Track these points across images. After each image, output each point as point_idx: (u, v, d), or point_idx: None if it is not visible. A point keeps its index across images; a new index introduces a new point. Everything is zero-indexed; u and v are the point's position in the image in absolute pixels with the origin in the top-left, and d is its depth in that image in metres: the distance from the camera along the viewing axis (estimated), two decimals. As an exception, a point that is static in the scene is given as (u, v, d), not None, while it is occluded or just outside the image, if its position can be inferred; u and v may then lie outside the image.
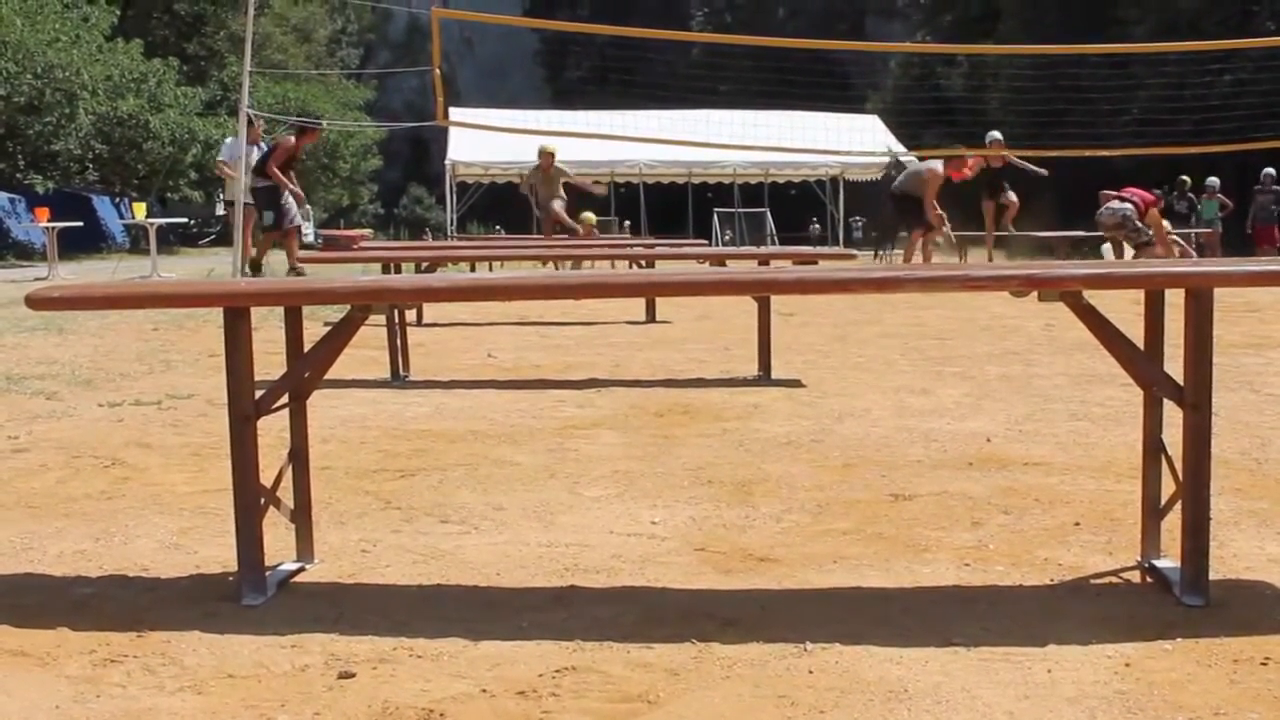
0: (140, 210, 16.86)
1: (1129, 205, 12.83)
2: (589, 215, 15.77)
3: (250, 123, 13.33)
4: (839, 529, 2.79)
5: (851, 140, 12.50)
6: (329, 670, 1.96)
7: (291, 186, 12.31)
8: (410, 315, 6.69)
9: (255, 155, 12.99)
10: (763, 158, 21.95)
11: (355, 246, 11.66)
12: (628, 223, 26.49)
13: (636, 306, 8.49)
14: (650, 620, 2.17)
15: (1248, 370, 5.24)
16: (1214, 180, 19.44)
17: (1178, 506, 2.27)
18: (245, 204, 12.62)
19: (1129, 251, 13.60)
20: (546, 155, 14.68)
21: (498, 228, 14.35)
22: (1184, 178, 18.74)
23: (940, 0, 50.70)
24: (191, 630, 2.15)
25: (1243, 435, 3.78)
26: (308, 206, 13.92)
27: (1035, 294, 2.28)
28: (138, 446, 3.88)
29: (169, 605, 2.31)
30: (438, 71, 12.10)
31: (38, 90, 25.03)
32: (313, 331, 2.57)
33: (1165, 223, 14.04)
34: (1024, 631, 2.08)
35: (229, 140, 14.19)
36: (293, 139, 12.60)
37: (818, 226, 30.50)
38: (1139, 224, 12.56)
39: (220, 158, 13.55)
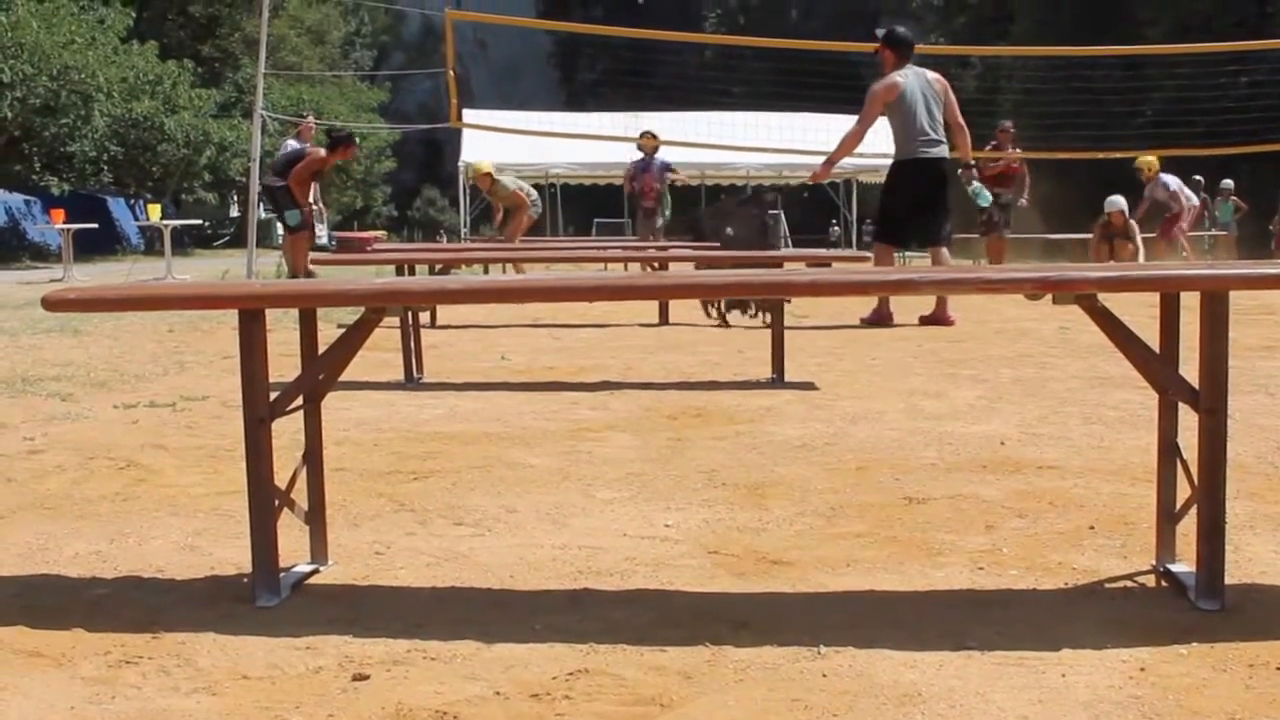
0: (155, 212, 16.93)
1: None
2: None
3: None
4: (852, 532, 2.78)
5: (865, 143, 12.36)
6: (343, 672, 1.96)
7: (306, 201, 11.88)
8: (424, 317, 6.70)
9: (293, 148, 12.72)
10: (776, 160, 21.89)
11: (369, 248, 11.62)
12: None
13: (649, 309, 8.49)
14: (664, 623, 2.17)
15: (1263, 373, 5.21)
16: (1228, 182, 19.39)
17: (1193, 510, 2.26)
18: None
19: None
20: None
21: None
22: (1197, 178, 18.69)
23: (954, 2, 50.67)
24: (206, 631, 2.15)
25: (1258, 439, 3.76)
26: (320, 206, 13.58)
27: (1050, 297, 2.27)
28: (153, 448, 3.90)
29: (184, 606, 2.32)
30: (451, 73, 12.13)
31: (53, 92, 25.16)
32: (327, 334, 2.57)
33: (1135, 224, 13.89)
34: (1038, 635, 2.08)
35: (291, 144, 13.61)
36: (323, 152, 12.17)
37: (837, 229, 30.44)
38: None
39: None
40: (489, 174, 14.85)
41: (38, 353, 6.55)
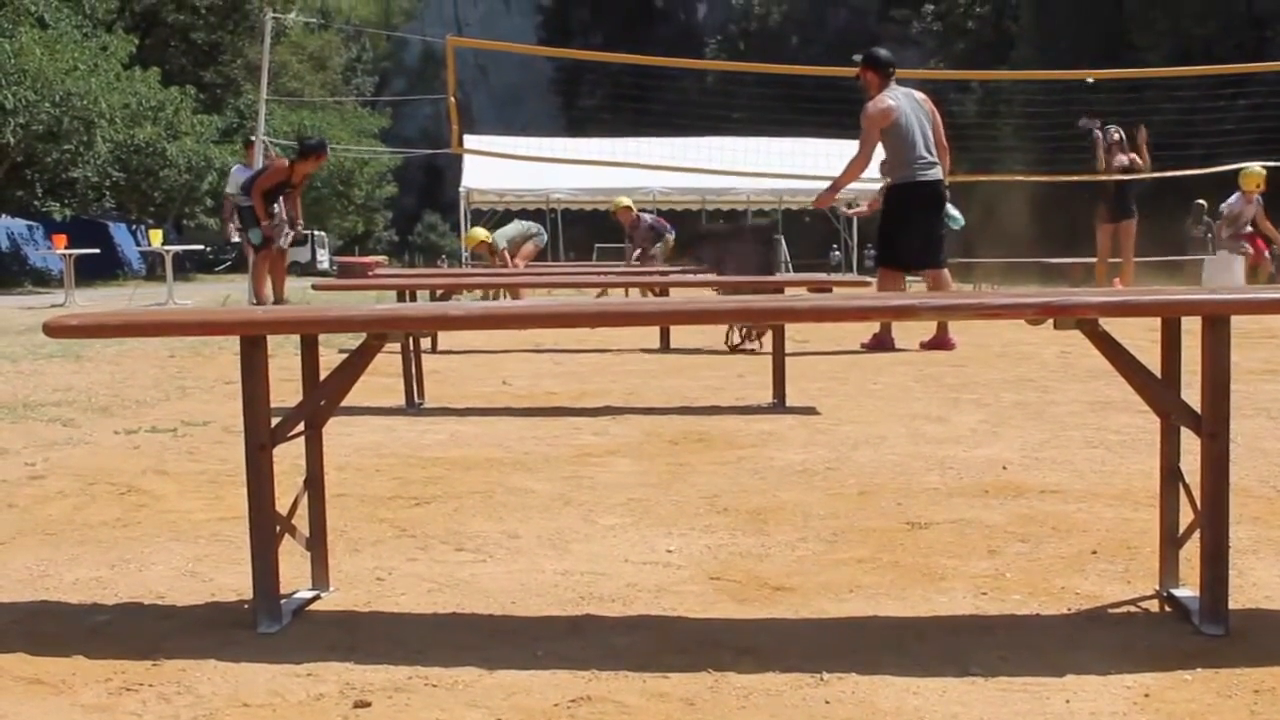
0: (156, 237, 16.98)
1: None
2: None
3: (265, 150, 13.03)
4: (855, 557, 2.77)
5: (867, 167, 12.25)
6: (344, 699, 1.95)
7: (265, 216, 11.61)
8: (425, 342, 6.71)
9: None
10: (776, 185, 21.92)
11: (370, 274, 11.61)
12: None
13: (651, 334, 8.49)
14: (666, 649, 2.16)
15: (1266, 397, 5.21)
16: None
17: (1196, 535, 2.25)
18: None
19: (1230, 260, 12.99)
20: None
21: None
22: (1200, 202, 18.71)
23: (953, 28, 50.88)
24: (207, 658, 2.14)
25: (1261, 462, 3.76)
26: (322, 234, 13.70)
27: (1051, 321, 2.27)
28: (154, 473, 3.89)
29: (184, 633, 2.31)
30: (452, 99, 12.16)
31: (56, 118, 25.27)
32: (328, 359, 2.57)
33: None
34: (1042, 661, 2.07)
35: (235, 169, 13.77)
36: (285, 162, 11.92)
37: (838, 254, 30.49)
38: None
39: (229, 191, 13.06)
40: (485, 241, 15.27)
41: (39, 378, 6.55)
